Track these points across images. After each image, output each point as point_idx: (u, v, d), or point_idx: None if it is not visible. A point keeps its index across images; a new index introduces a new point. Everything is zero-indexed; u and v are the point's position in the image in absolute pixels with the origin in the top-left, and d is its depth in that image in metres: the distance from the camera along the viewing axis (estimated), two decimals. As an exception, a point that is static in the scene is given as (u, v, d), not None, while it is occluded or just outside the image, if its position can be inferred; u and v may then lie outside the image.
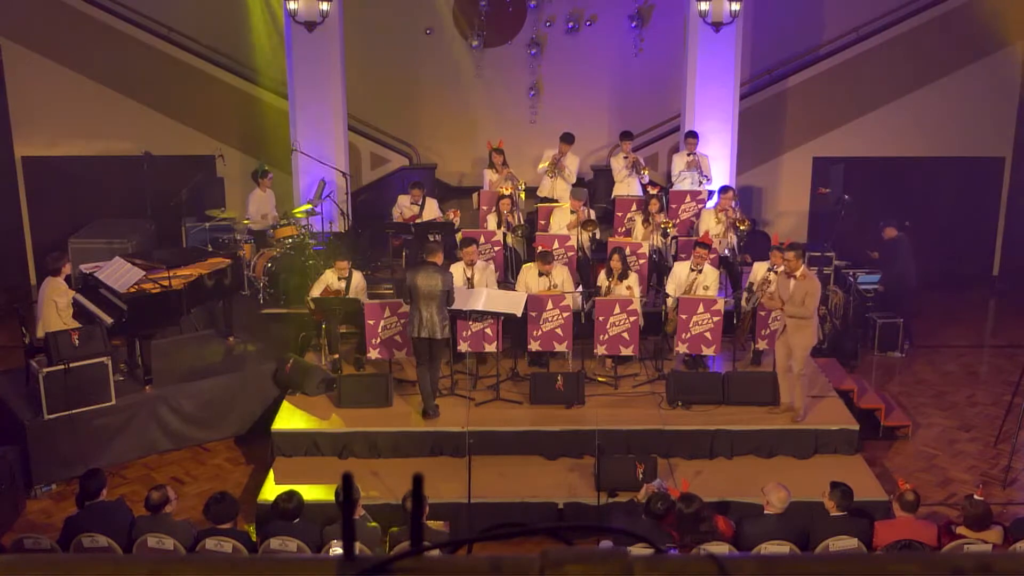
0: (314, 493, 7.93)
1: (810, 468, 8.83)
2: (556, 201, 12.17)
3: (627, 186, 12.62)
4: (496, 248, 11.35)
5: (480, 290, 9.70)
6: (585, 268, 11.41)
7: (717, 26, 12.73)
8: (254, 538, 7.17)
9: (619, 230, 12.13)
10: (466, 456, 8.43)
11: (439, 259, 9.30)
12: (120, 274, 9.65)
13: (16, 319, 10.19)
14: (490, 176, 12.37)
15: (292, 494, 6.98)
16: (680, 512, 6.91)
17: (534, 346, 10.00)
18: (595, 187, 13.64)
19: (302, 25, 12.65)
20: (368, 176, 14.38)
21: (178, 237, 13.19)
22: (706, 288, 10.05)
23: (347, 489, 1.49)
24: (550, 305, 9.83)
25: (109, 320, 9.30)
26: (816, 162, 14.61)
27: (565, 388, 9.45)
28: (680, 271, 10.26)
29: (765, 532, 6.90)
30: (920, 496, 7.20)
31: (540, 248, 10.63)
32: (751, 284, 10.21)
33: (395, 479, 8.47)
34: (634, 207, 12.08)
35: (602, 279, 10.22)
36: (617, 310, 9.77)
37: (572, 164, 12.47)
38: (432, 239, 10.76)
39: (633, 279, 10.15)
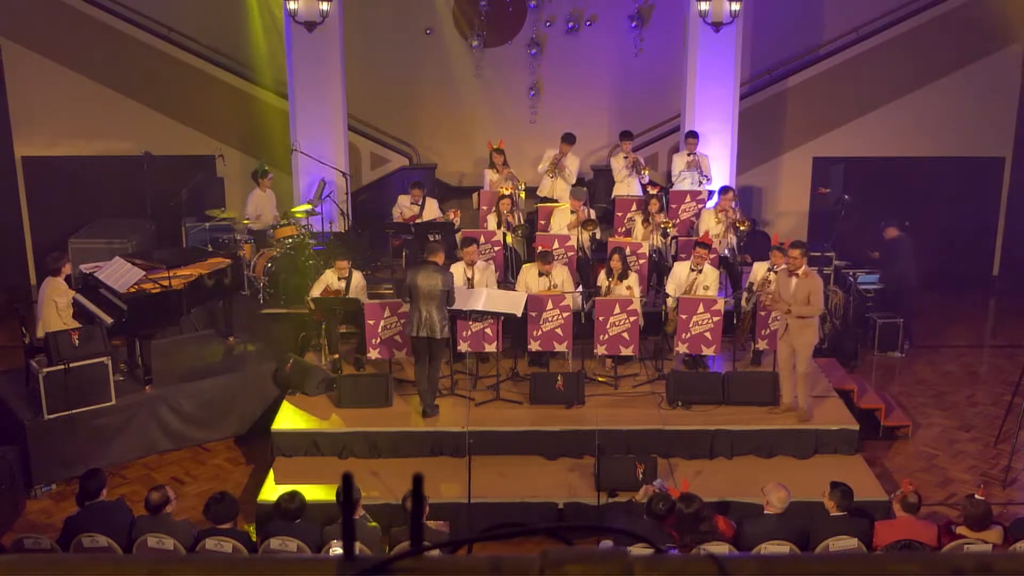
0: (314, 493, 7.92)
1: (810, 468, 8.83)
2: (556, 201, 12.17)
3: (627, 186, 12.63)
4: (496, 248, 11.35)
5: (480, 290, 9.70)
6: (585, 268, 11.41)
7: (717, 26, 12.73)
8: (254, 538, 7.17)
9: (619, 230, 12.14)
10: (466, 456, 8.42)
11: (440, 259, 9.30)
12: (120, 274, 9.65)
13: (16, 319, 10.19)
14: (491, 176, 12.38)
15: (295, 494, 6.98)
16: (680, 512, 6.91)
17: (534, 346, 10.00)
18: (595, 187, 13.64)
19: (302, 25, 12.65)
20: (368, 176, 14.38)
21: (178, 237, 13.19)
22: (706, 288, 10.05)
23: (347, 489, 1.49)
24: (550, 305, 9.83)
25: (109, 320, 9.30)
26: (816, 162, 14.61)
27: (565, 388, 9.45)
28: (680, 271, 10.26)
29: (765, 532, 6.90)
30: (921, 497, 7.20)
31: (540, 248, 10.63)
32: (751, 284, 10.21)
33: (395, 479, 8.47)
34: (634, 207, 12.08)
35: (602, 279, 10.22)
36: (617, 310, 9.77)
37: (572, 165, 12.48)
38: (432, 239, 10.76)
39: (633, 279, 10.15)
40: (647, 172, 12.68)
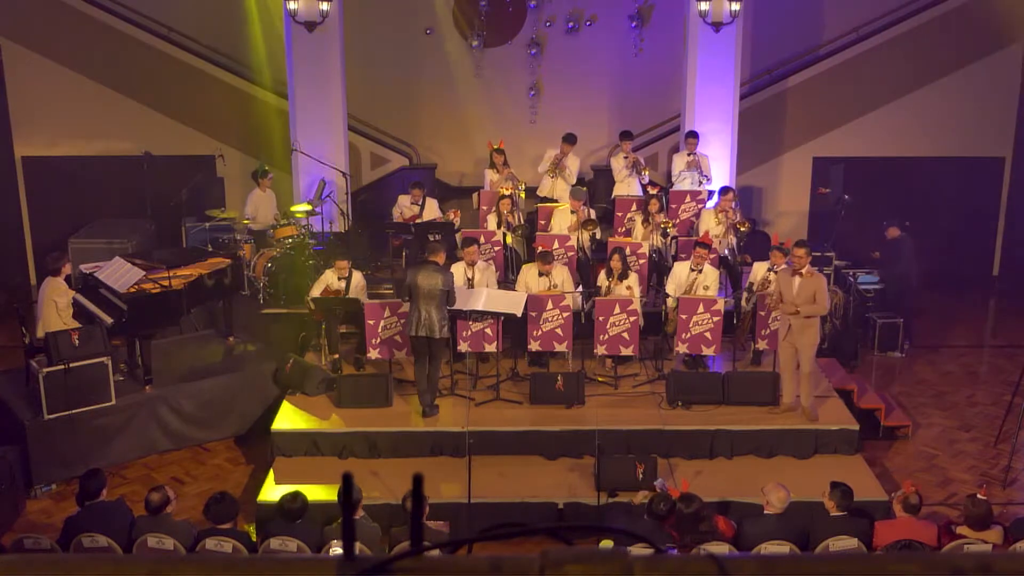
0: (314, 493, 7.91)
1: (810, 468, 8.83)
2: (556, 201, 12.17)
3: (627, 186, 12.63)
4: (496, 248, 11.35)
5: (480, 290, 9.70)
6: (585, 268, 11.41)
7: (717, 26, 12.73)
8: (254, 538, 7.17)
9: (619, 230, 12.14)
10: (466, 456, 8.42)
11: (441, 259, 9.31)
12: (120, 274, 9.65)
13: (16, 319, 10.19)
14: (491, 176, 12.38)
15: (297, 495, 6.98)
16: (680, 512, 6.92)
17: (534, 346, 10.00)
18: (595, 187, 13.65)
19: (302, 25, 12.64)
20: (368, 176, 14.37)
21: (178, 237, 13.19)
22: (706, 288, 10.05)
23: (347, 489, 1.49)
24: (550, 305, 9.83)
25: (109, 320, 9.30)
26: (816, 162, 14.61)
27: (565, 388, 9.45)
28: (680, 271, 10.26)
29: (765, 532, 6.90)
30: (922, 497, 7.20)
31: (540, 248, 10.63)
32: (751, 284, 10.21)
33: (395, 479, 8.47)
34: (634, 207, 12.08)
35: (602, 279, 10.22)
36: (617, 310, 9.77)
37: (573, 165, 12.48)
38: (432, 239, 10.77)
39: (633, 279, 10.15)
40: (647, 172, 12.68)
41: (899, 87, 14.37)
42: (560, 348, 9.99)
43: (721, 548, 6.68)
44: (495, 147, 12.41)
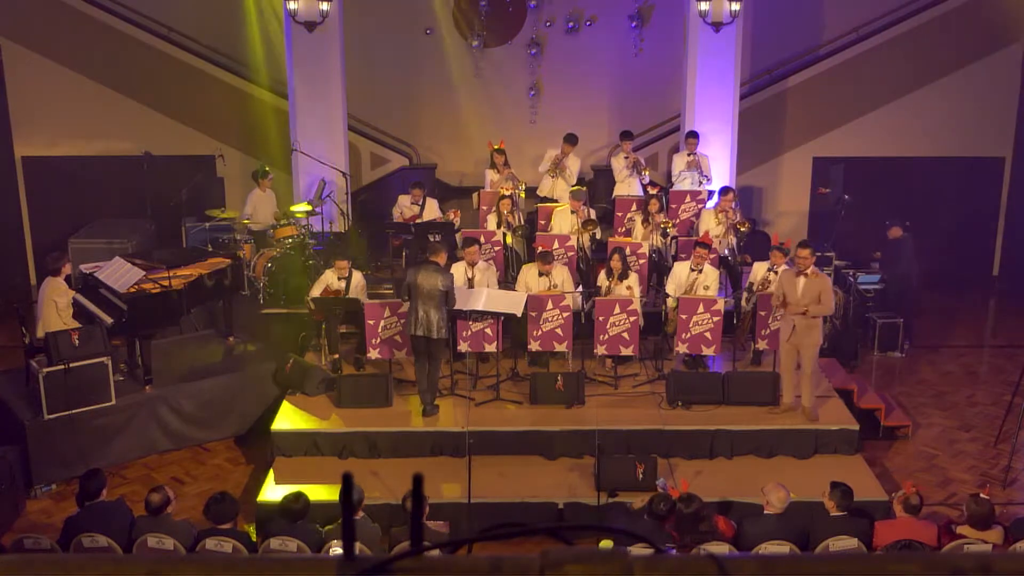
0: (314, 493, 7.90)
1: (810, 468, 8.83)
2: (556, 201, 12.17)
3: (627, 186, 12.63)
4: (496, 248, 11.35)
5: (480, 290, 9.70)
6: (585, 268, 11.41)
7: (717, 26, 12.73)
8: (254, 538, 7.17)
9: (619, 230, 12.13)
10: (466, 456, 8.42)
11: (442, 259, 9.31)
12: (120, 274, 9.65)
13: (16, 319, 10.18)
14: (491, 176, 12.38)
15: (300, 495, 6.98)
16: (680, 512, 6.92)
17: (534, 346, 10.00)
18: (595, 187, 13.65)
19: (302, 25, 12.64)
20: (368, 176, 14.37)
21: (178, 237, 13.18)
22: (706, 288, 10.05)
23: (347, 489, 1.49)
24: (550, 305, 9.83)
25: (109, 320, 9.30)
26: (816, 162, 14.61)
27: (565, 388, 9.45)
28: (680, 271, 10.25)
29: (765, 532, 6.90)
30: (923, 498, 7.20)
31: (540, 248, 10.64)
32: (751, 284, 10.21)
33: (395, 479, 8.47)
34: (634, 207, 12.08)
35: (602, 279, 10.22)
36: (617, 310, 9.77)
37: (574, 165, 12.48)
38: (433, 239, 10.77)
39: (633, 279, 10.15)
40: (647, 172, 12.68)
41: (899, 87, 14.37)
42: (560, 348, 9.99)
43: (721, 548, 6.68)
44: (495, 147, 12.40)
